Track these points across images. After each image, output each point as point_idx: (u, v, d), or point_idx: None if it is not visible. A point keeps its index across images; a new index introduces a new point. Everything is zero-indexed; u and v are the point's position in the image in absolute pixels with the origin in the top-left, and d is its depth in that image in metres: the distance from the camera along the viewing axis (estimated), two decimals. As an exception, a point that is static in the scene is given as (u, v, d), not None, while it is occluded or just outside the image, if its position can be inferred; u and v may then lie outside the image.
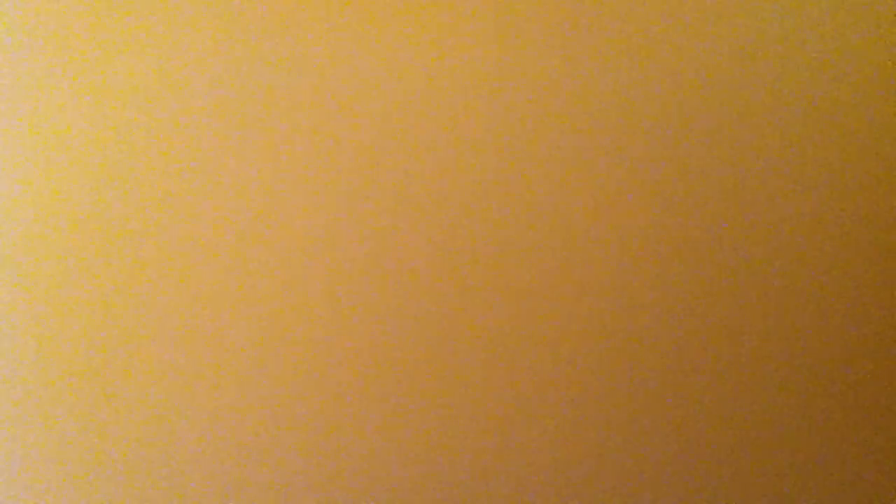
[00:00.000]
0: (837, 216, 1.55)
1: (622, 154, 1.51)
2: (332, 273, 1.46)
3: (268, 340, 1.45)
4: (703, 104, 1.53)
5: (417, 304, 1.47)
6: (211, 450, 1.43)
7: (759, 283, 1.54)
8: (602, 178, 1.51)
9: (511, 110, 1.49)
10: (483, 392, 1.49)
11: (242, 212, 1.44)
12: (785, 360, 1.55)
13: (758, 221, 1.54)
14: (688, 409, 1.53)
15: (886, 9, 1.56)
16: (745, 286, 1.53)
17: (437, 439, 1.48)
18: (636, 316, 1.51)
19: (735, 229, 1.53)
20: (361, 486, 1.47)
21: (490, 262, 1.49)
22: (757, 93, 1.53)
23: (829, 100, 1.55)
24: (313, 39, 1.45)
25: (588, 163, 1.50)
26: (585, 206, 1.50)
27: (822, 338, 1.55)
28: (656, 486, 1.52)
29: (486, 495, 1.49)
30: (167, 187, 1.43)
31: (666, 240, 1.52)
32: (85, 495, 1.41)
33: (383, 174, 1.47)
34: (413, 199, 1.47)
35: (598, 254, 1.51)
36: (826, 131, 1.55)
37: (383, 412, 1.47)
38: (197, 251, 1.43)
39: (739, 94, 1.53)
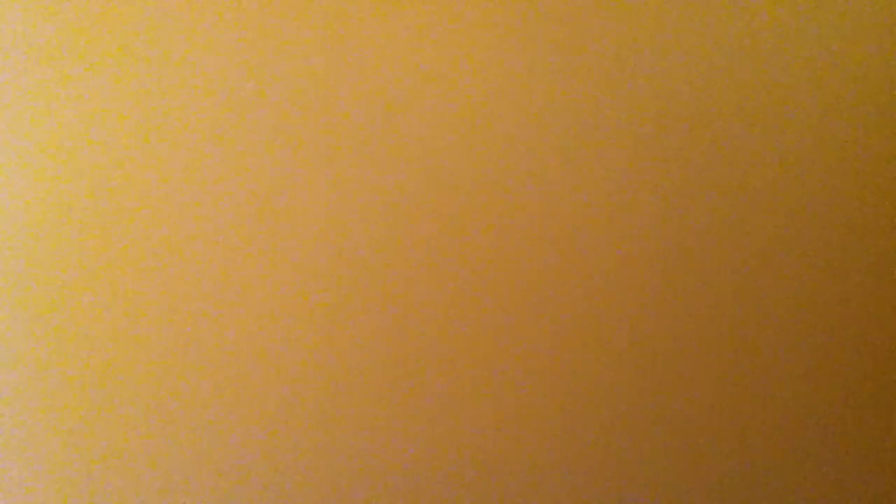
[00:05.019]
0: (838, 216, 1.55)
1: (623, 155, 1.51)
2: (333, 273, 1.46)
3: (268, 340, 1.45)
4: (705, 105, 1.53)
5: (418, 305, 1.47)
6: (211, 450, 1.44)
7: (759, 284, 1.54)
8: (603, 178, 1.51)
9: (512, 111, 1.49)
10: (484, 392, 1.49)
11: (243, 212, 1.44)
12: (785, 359, 1.55)
13: (758, 222, 1.54)
14: (688, 410, 1.53)
15: (886, 9, 1.56)
16: (745, 287, 1.54)
17: (437, 439, 1.48)
18: (637, 316, 1.52)
19: (736, 230, 1.53)
20: (361, 485, 1.47)
21: (492, 262, 1.49)
22: (758, 95, 1.53)
23: (829, 100, 1.55)
24: (315, 39, 1.45)
25: (589, 164, 1.51)
26: (586, 208, 1.50)
27: (822, 338, 1.55)
28: (657, 486, 1.52)
29: (487, 495, 1.49)
30: (166, 187, 1.43)
31: (667, 240, 1.52)
32: (85, 495, 1.41)
33: (384, 175, 1.47)
34: (414, 199, 1.47)
35: (600, 254, 1.51)
36: (826, 131, 1.55)
37: (383, 412, 1.47)
38: (197, 251, 1.43)
39: (741, 96, 1.53)
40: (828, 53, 1.55)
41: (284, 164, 1.45)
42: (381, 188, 1.47)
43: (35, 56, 1.40)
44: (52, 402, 1.41)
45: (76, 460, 1.41)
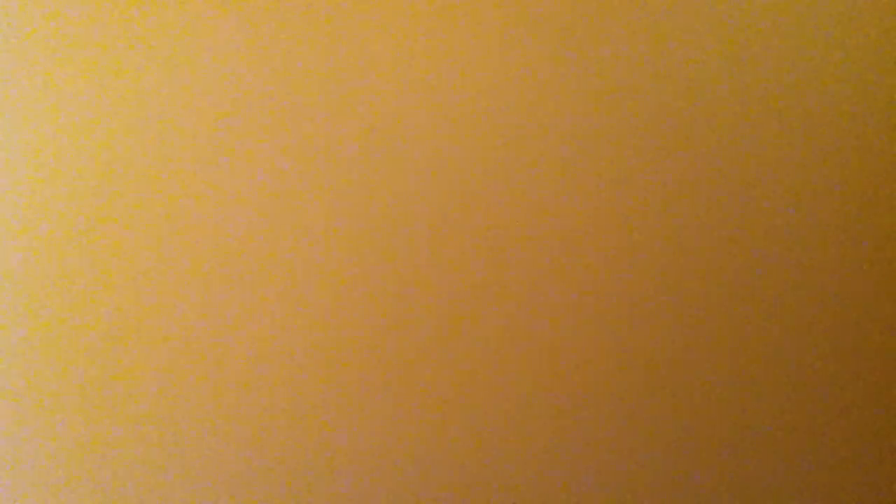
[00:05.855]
0: (837, 216, 1.55)
1: (623, 155, 1.51)
2: (333, 274, 1.46)
3: (268, 341, 1.45)
4: (705, 105, 1.53)
5: (418, 306, 1.47)
6: (211, 450, 1.43)
7: (759, 284, 1.54)
8: (603, 179, 1.51)
9: (511, 111, 1.49)
10: (483, 393, 1.49)
11: (244, 212, 1.44)
12: (784, 360, 1.55)
13: (757, 223, 1.54)
14: (687, 411, 1.53)
15: (886, 9, 1.56)
16: (744, 287, 1.54)
17: (436, 440, 1.48)
18: (637, 316, 1.52)
19: (735, 231, 1.53)
20: (361, 485, 1.47)
21: (491, 263, 1.49)
22: (757, 95, 1.54)
23: (829, 100, 1.55)
24: (314, 39, 1.45)
25: (589, 164, 1.51)
26: (586, 208, 1.50)
27: (821, 338, 1.55)
28: (656, 486, 1.52)
29: (486, 495, 1.49)
30: (167, 188, 1.43)
31: (666, 241, 1.52)
32: (85, 495, 1.41)
33: (384, 175, 1.47)
34: (414, 199, 1.47)
35: (600, 255, 1.51)
36: (826, 131, 1.55)
37: (383, 413, 1.47)
38: (197, 251, 1.43)
39: (741, 96, 1.53)
40: (828, 53, 1.55)
41: (283, 164, 1.45)
42: (381, 188, 1.47)
43: (35, 56, 1.40)
44: (53, 402, 1.41)
45: (76, 461, 1.41)
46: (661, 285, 1.52)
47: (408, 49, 1.47)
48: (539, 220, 1.49)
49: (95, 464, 1.41)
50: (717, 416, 1.53)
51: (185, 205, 1.43)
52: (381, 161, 1.47)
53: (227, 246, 1.44)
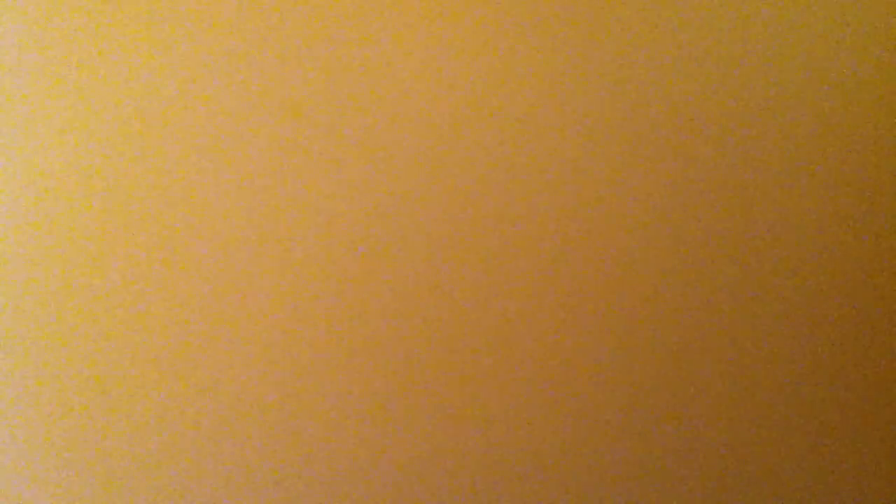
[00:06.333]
0: (837, 217, 1.55)
1: (623, 155, 1.51)
2: (334, 274, 1.46)
3: (269, 342, 1.45)
4: (705, 105, 1.53)
5: (418, 306, 1.47)
6: (211, 450, 1.43)
7: (758, 285, 1.54)
8: (603, 179, 1.51)
9: (511, 111, 1.49)
10: (483, 393, 1.49)
11: (243, 212, 1.44)
12: (784, 361, 1.55)
13: (757, 223, 1.54)
14: (686, 411, 1.53)
15: (886, 9, 1.56)
16: (743, 287, 1.54)
17: (435, 440, 1.48)
18: (636, 317, 1.52)
19: (734, 231, 1.53)
20: (361, 485, 1.47)
21: (491, 263, 1.49)
22: (758, 95, 1.54)
23: (829, 100, 1.55)
24: (316, 38, 1.45)
25: (589, 164, 1.51)
26: (587, 208, 1.51)
27: (821, 339, 1.56)
28: (656, 486, 1.53)
29: (485, 495, 1.49)
30: (166, 188, 1.43)
31: (667, 240, 1.52)
32: (84, 495, 1.41)
33: (385, 174, 1.47)
34: (414, 199, 1.47)
35: (600, 255, 1.51)
36: (826, 131, 1.55)
37: (383, 413, 1.47)
38: (198, 252, 1.43)
39: (741, 96, 1.53)
40: (828, 53, 1.55)
41: (284, 163, 1.45)
42: (381, 187, 1.47)
43: (35, 56, 1.40)
44: (53, 402, 1.41)
45: (77, 462, 1.41)
46: (664, 285, 1.52)
47: (408, 47, 1.47)
48: (540, 220, 1.50)
49: (95, 463, 1.41)
50: (717, 415, 1.53)
51: (186, 204, 1.43)
52: (382, 160, 1.47)
53: (228, 246, 1.44)
